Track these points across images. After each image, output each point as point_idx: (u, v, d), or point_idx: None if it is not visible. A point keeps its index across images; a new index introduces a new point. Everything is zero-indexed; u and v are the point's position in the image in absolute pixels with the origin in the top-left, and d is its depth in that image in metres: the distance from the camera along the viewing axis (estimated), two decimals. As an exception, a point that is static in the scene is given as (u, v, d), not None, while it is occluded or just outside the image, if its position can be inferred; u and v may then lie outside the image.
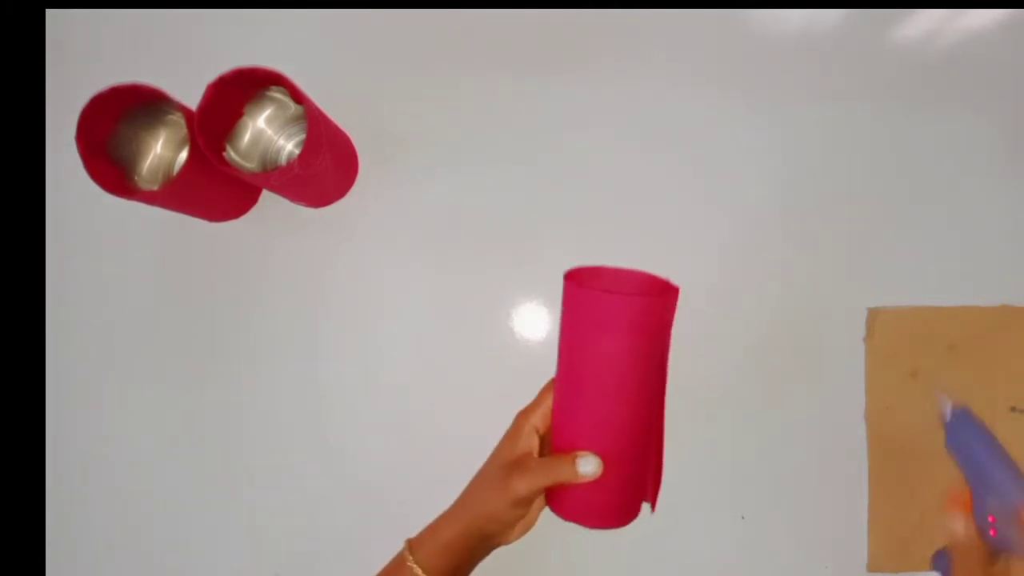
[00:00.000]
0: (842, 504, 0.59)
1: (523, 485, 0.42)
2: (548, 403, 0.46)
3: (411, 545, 0.45)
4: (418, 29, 0.64)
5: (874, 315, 0.60)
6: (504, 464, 0.45)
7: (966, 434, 0.45)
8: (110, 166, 0.54)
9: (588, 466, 0.42)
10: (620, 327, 0.42)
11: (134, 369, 0.63)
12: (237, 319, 0.62)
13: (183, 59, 0.63)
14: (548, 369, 0.53)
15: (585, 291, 0.43)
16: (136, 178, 0.57)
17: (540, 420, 0.46)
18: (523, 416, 0.46)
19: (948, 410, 0.46)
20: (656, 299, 0.42)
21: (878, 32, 0.63)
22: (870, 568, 0.58)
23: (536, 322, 0.61)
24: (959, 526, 0.43)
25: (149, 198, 0.52)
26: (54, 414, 0.62)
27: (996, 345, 0.59)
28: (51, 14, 0.65)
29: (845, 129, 0.62)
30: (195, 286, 0.63)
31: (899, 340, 0.59)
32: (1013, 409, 0.58)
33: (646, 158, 0.62)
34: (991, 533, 0.42)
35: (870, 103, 0.62)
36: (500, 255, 0.62)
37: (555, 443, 0.45)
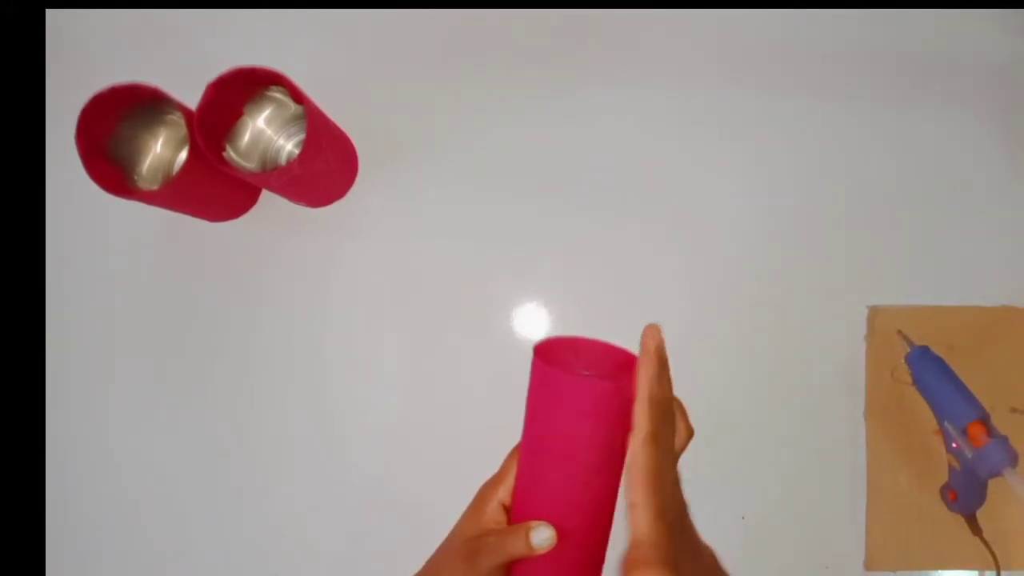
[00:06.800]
0: (842, 504, 0.59)
1: (485, 563, 0.41)
2: (513, 475, 0.44)
3: None
4: (418, 29, 0.64)
5: (874, 314, 0.60)
6: (467, 540, 0.43)
7: (925, 369, 0.46)
8: (110, 166, 0.54)
9: (541, 536, 0.40)
10: (587, 409, 0.40)
11: (134, 369, 0.63)
12: (237, 319, 0.62)
13: (183, 59, 0.63)
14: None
15: (549, 369, 0.41)
16: (136, 178, 0.57)
17: (505, 493, 0.44)
18: (488, 489, 0.44)
19: (909, 349, 0.48)
20: (622, 382, 0.41)
21: (878, 32, 0.63)
22: (868, 567, 0.58)
23: (536, 322, 0.61)
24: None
25: (149, 198, 0.52)
26: (54, 414, 0.62)
27: (996, 345, 0.59)
28: (51, 14, 0.65)
29: (846, 129, 0.62)
30: (195, 286, 0.63)
31: (900, 339, 0.59)
32: (1013, 410, 0.58)
33: (647, 156, 0.62)
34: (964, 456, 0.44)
35: (870, 103, 0.62)
36: (500, 255, 0.62)
37: (515, 516, 0.44)
